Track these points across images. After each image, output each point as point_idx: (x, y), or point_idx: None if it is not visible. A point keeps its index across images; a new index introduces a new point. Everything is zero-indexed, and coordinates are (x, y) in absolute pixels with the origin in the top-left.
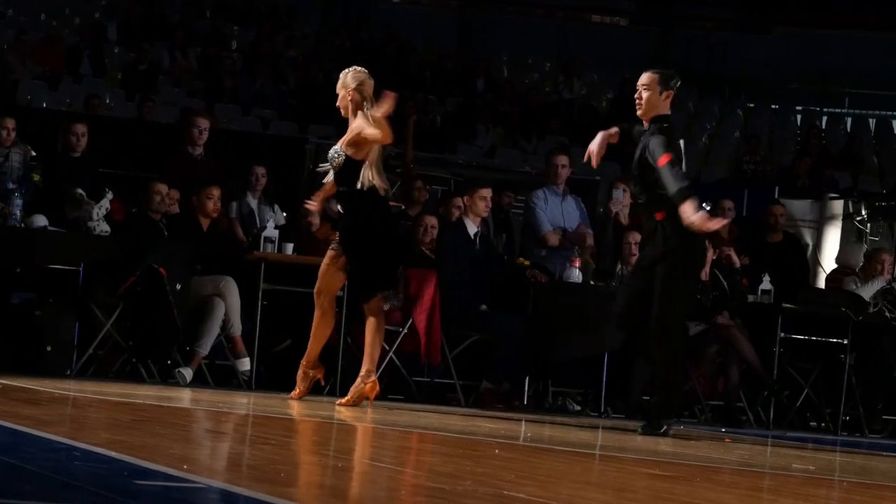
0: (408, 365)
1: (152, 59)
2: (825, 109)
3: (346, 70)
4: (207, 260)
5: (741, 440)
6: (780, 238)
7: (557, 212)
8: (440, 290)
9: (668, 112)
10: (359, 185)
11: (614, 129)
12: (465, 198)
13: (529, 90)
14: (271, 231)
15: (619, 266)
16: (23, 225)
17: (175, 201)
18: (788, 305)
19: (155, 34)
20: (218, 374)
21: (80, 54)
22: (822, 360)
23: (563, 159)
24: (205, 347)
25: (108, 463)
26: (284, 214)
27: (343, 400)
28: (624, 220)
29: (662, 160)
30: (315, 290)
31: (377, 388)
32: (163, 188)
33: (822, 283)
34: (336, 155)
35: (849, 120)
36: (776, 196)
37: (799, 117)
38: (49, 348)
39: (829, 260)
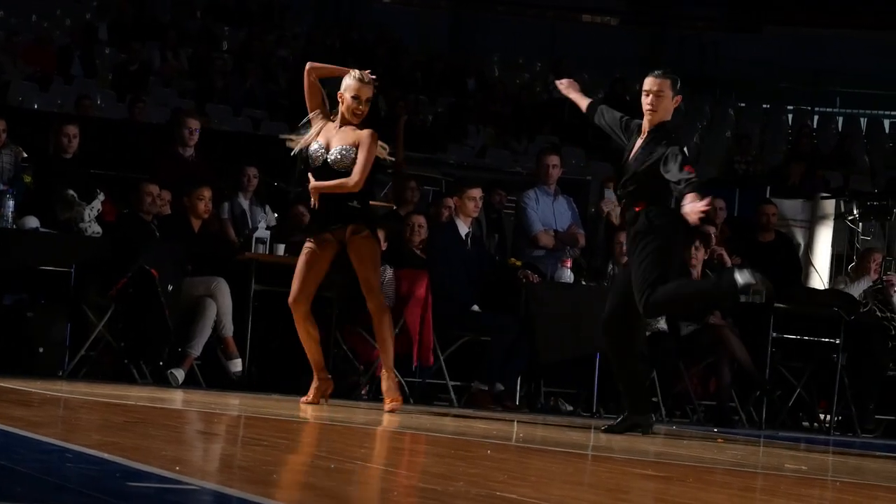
0: (400, 366)
1: (143, 60)
2: (816, 109)
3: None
4: (199, 261)
5: (733, 440)
6: (772, 238)
7: (549, 212)
8: (432, 291)
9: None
10: None
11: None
12: (455, 198)
13: (520, 90)
14: (263, 232)
15: (610, 266)
16: (14, 226)
17: (166, 202)
18: (780, 305)
19: (146, 35)
20: (210, 375)
21: (70, 55)
22: (814, 360)
23: (553, 159)
24: (197, 348)
25: (100, 464)
26: (276, 215)
27: (388, 406)
28: (615, 219)
29: (691, 169)
30: (292, 300)
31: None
32: (154, 189)
33: (814, 283)
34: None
35: (840, 119)
36: (767, 195)
37: (790, 117)
38: (41, 349)
39: (821, 259)
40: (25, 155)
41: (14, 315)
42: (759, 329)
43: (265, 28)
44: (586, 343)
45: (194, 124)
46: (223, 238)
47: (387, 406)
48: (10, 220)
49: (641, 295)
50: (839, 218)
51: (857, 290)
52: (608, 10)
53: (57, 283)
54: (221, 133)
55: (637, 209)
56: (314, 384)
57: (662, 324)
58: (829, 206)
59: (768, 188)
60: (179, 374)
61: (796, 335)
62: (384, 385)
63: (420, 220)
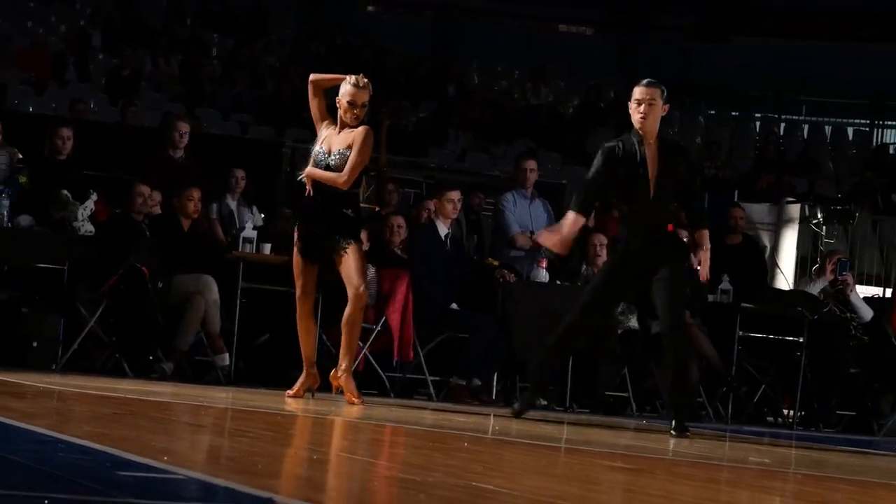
0: (381, 361)
1: (135, 66)
2: (783, 117)
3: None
4: (188, 259)
5: (700, 434)
6: (740, 240)
7: (525, 214)
8: (412, 290)
9: None
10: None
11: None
12: (435, 200)
13: (499, 97)
14: (250, 232)
15: (584, 266)
16: (10, 225)
17: (157, 203)
18: (747, 305)
19: (138, 41)
20: (197, 370)
21: (65, 61)
22: (778, 358)
23: (531, 163)
24: (185, 343)
25: (91, 454)
26: (262, 216)
27: (354, 398)
28: (590, 222)
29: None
30: (301, 294)
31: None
32: (145, 190)
33: (779, 284)
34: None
35: (806, 127)
36: (736, 199)
37: (758, 124)
38: (35, 344)
39: (786, 261)
40: (21, 156)
41: (9, 310)
42: (726, 328)
43: (253, 35)
44: None
45: (184, 128)
46: (211, 237)
47: (356, 401)
48: (5, 219)
49: (677, 320)
50: (804, 221)
51: (814, 289)
52: (584, 19)
53: (51, 280)
54: (210, 136)
55: (670, 228)
56: (301, 378)
57: (633, 322)
58: (795, 210)
59: (736, 192)
60: (168, 367)
61: (762, 334)
62: (350, 385)
63: (398, 220)
